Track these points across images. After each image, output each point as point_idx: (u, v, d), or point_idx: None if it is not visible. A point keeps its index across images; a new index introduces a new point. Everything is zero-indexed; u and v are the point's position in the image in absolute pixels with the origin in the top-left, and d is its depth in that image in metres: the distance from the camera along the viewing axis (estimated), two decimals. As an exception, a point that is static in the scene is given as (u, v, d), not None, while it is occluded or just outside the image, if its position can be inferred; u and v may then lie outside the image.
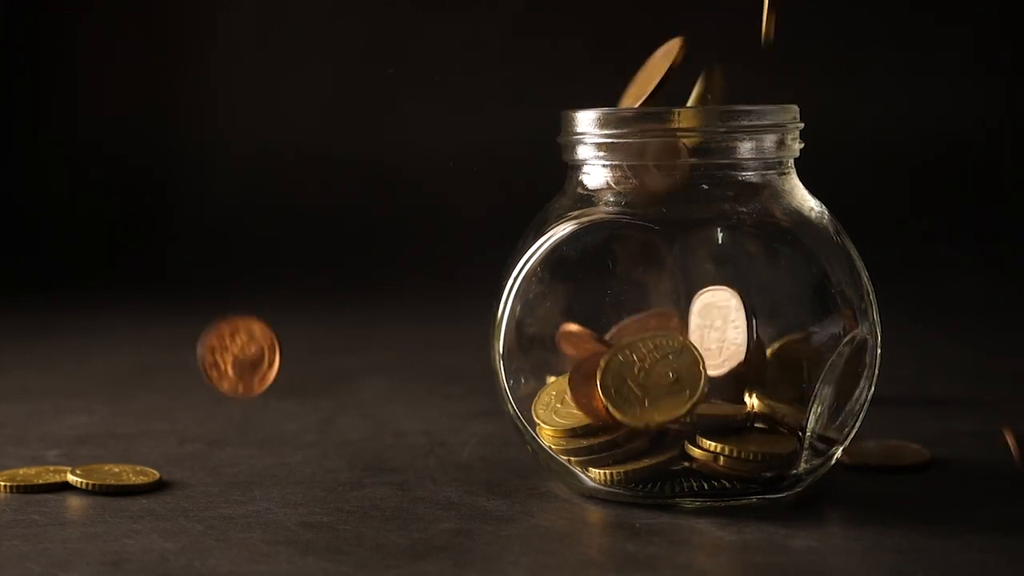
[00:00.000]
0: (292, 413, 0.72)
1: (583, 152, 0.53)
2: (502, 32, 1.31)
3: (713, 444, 0.50)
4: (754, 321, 0.51)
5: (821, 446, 0.52)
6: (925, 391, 0.77)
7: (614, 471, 0.51)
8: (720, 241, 0.52)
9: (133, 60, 1.35)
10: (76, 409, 0.73)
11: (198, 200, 1.30)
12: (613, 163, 0.52)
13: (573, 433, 0.52)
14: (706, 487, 0.51)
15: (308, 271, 1.22)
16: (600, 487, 0.52)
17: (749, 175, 0.52)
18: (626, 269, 0.53)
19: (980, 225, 1.20)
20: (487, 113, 1.28)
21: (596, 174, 0.53)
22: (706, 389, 0.50)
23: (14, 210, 1.29)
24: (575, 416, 0.52)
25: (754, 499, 0.52)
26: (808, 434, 0.51)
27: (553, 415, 0.52)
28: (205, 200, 1.30)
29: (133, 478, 0.56)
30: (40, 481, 0.56)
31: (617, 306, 0.52)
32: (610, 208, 0.53)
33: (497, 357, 0.54)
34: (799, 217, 0.53)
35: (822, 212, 0.53)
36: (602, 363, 0.50)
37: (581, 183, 0.54)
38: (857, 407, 0.53)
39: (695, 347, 0.50)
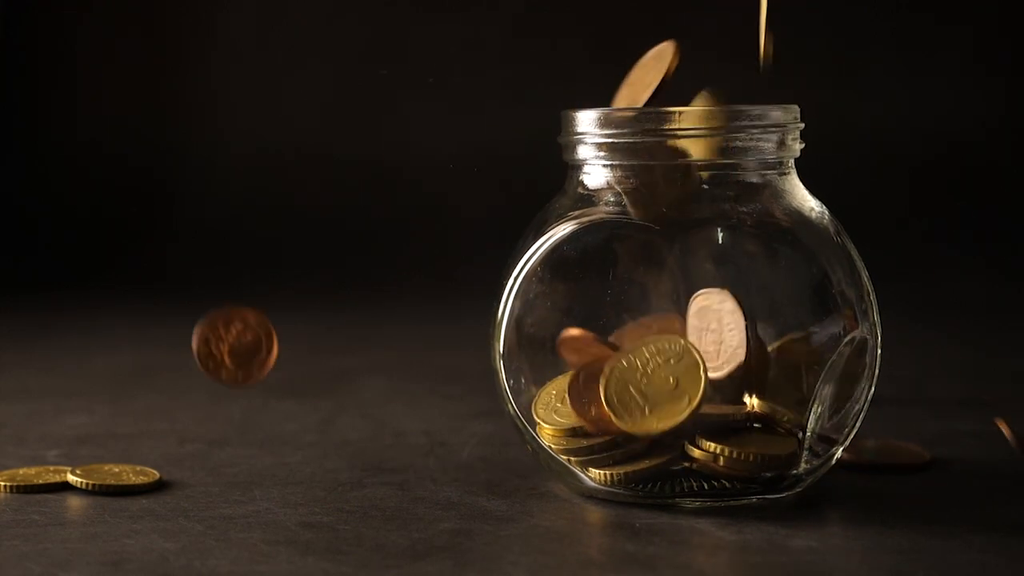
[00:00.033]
0: (292, 413, 0.72)
1: (583, 152, 0.53)
2: (502, 32, 1.31)
3: (713, 445, 0.50)
4: (752, 322, 0.51)
5: (821, 446, 0.52)
6: (925, 391, 0.77)
7: (614, 471, 0.51)
8: (720, 241, 0.52)
9: (133, 60, 1.35)
10: (76, 409, 0.73)
11: (198, 200, 1.30)
12: (615, 163, 0.52)
13: (573, 432, 0.52)
14: (706, 487, 0.51)
15: (308, 271, 1.22)
16: (600, 487, 0.52)
17: (749, 175, 0.52)
18: (626, 269, 0.53)
19: (980, 225, 1.20)
20: (487, 113, 1.28)
21: (596, 174, 0.53)
22: (706, 394, 0.50)
23: (14, 210, 1.29)
24: (575, 416, 0.52)
25: (754, 499, 0.52)
26: (808, 434, 0.51)
27: (553, 414, 0.52)
28: (205, 200, 1.30)
29: (133, 478, 0.56)
30: (40, 481, 0.56)
31: (617, 306, 0.52)
32: (610, 208, 0.53)
33: (497, 357, 0.54)
34: (799, 217, 0.53)
35: (822, 212, 0.53)
36: (606, 370, 0.50)
37: (581, 183, 0.54)
38: (857, 407, 0.53)
39: (696, 350, 0.50)
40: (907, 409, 0.70)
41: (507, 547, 0.48)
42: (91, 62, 1.36)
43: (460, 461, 0.60)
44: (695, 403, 0.50)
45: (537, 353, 0.53)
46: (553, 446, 0.52)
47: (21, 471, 0.57)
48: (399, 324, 1.05)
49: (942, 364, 0.86)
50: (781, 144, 0.52)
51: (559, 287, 0.53)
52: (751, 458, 0.50)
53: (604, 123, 0.52)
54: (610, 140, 0.52)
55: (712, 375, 0.50)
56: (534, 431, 0.53)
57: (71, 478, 0.55)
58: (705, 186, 0.52)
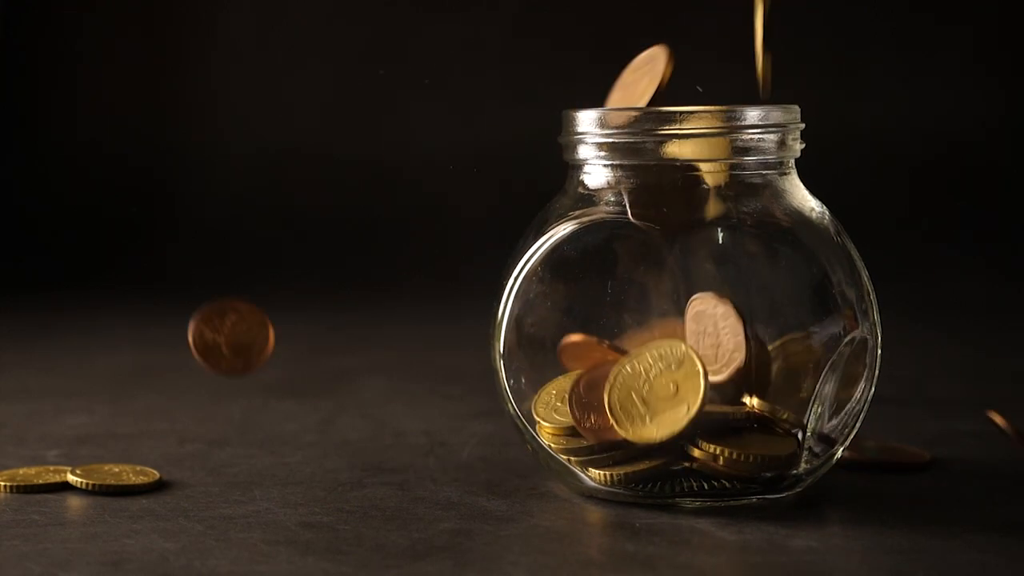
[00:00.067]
0: (292, 413, 0.72)
1: (584, 152, 0.53)
2: (502, 32, 1.31)
3: (713, 445, 0.50)
4: (751, 324, 0.51)
5: (821, 447, 0.52)
6: (925, 391, 0.77)
7: (614, 471, 0.51)
8: (720, 241, 0.52)
9: (133, 60, 1.35)
10: (76, 409, 0.73)
11: (198, 200, 1.30)
12: (615, 163, 0.52)
13: (573, 432, 0.52)
14: (706, 487, 0.51)
15: (308, 271, 1.22)
16: (600, 487, 0.52)
17: (750, 175, 0.52)
18: (626, 269, 0.53)
19: (980, 225, 1.20)
20: (487, 113, 1.28)
21: (597, 174, 0.53)
22: (705, 403, 0.50)
23: (14, 210, 1.29)
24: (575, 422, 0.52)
25: (754, 499, 0.52)
26: (808, 435, 0.51)
27: (553, 413, 0.52)
28: (205, 200, 1.30)
29: (133, 478, 0.56)
30: (40, 481, 0.56)
31: (617, 306, 0.52)
32: (611, 208, 0.53)
33: (497, 357, 0.54)
34: (800, 217, 0.53)
35: (823, 212, 0.53)
36: (611, 377, 0.50)
37: (582, 183, 0.54)
38: (857, 407, 0.53)
39: (697, 356, 0.50)
40: (907, 409, 0.70)
41: (507, 547, 0.48)
42: (91, 62, 1.36)
43: (460, 461, 0.60)
44: (693, 412, 0.49)
45: (537, 353, 0.53)
46: (553, 446, 0.52)
47: (21, 471, 0.57)
48: (399, 324, 1.05)
49: (942, 364, 0.86)
50: (781, 144, 0.52)
51: (559, 287, 0.53)
52: (751, 458, 0.50)
53: (605, 123, 0.52)
54: (611, 140, 0.52)
55: (712, 379, 0.50)
56: (534, 431, 0.53)
57: (71, 478, 0.55)
58: (705, 186, 0.52)
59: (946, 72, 1.26)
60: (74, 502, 0.54)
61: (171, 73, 1.36)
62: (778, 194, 0.53)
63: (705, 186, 0.52)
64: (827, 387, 0.51)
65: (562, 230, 0.53)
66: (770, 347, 0.51)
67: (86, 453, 0.62)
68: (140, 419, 0.70)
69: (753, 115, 0.52)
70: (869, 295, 0.52)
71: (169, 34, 1.35)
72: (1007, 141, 1.23)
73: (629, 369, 0.50)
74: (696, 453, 0.50)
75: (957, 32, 1.27)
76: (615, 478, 0.51)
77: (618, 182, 0.52)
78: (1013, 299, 1.08)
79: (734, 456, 0.50)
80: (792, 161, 0.53)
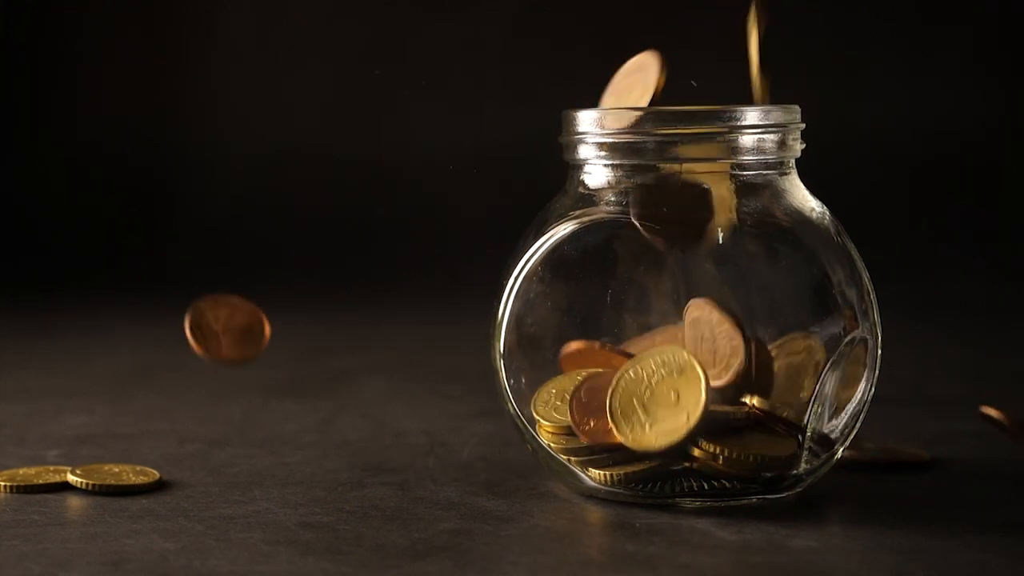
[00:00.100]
0: (292, 413, 0.72)
1: (584, 152, 0.53)
2: (502, 32, 1.31)
3: (713, 445, 0.50)
4: (750, 327, 0.51)
5: (821, 447, 0.52)
6: (925, 391, 0.77)
7: (614, 471, 0.51)
8: (720, 241, 0.52)
9: (133, 60, 1.35)
10: (76, 409, 0.73)
11: (198, 200, 1.30)
12: (615, 163, 0.52)
13: (572, 431, 0.52)
14: (706, 487, 0.51)
15: (308, 271, 1.22)
16: (600, 487, 0.52)
17: (750, 175, 0.52)
18: (626, 269, 0.53)
19: (980, 225, 1.20)
20: (487, 113, 1.28)
21: (597, 173, 0.53)
22: (706, 412, 0.49)
23: (14, 210, 1.29)
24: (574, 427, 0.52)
25: (754, 499, 0.52)
26: (808, 435, 0.51)
27: (553, 412, 0.52)
28: (205, 200, 1.30)
29: (133, 478, 0.56)
30: (40, 481, 0.56)
31: (617, 306, 0.52)
32: (611, 208, 0.53)
33: (497, 357, 0.54)
34: (800, 217, 0.53)
35: (823, 212, 0.53)
36: (614, 381, 0.50)
37: (582, 182, 0.54)
38: (857, 407, 0.53)
39: (700, 365, 0.50)
40: (907, 409, 0.70)
41: (507, 547, 0.48)
42: (91, 62, 1.36)
43: (460, 461, 0.60)
44: (693, 422, 0.49)
45: (537, 353, 0.53)
46: (553, 445, 0.52)
47: (21, 471, 0.57)
48: (399, 324, 1.05)
49: (942, 364, 0.86)
50: (782, 144, 0.52)
51: (559, 287, 0.53)
52: (751, 458, 0.50)
53: (605, 123, 0.52)
54: (611, 140, 0.52)
55: (713, 383, 0.50)
56: (534, 431, 0.53)
57: (71, 478, 0.55)
58: (706, 186, 0.52)
59: (946, 72, 1.26)
60: (74, 502, 0.54)
61: (171, 73, 1.36)
62: (778, 194, 0.53)
63: (707, 187, 0.52)
64: (827, 387, 0.51)
65: (562, 230, 0.53)
66: (770, 347, 0.51)
67: (86, 453, 0.62)
68: (140, 419, 0.70)
69: (753, 115, 0.52)
70: (869, 295, 0.52)
71: (169, 34, 1.35)
72: (1007, 141, 1.23)
73: (632, 374, 0.50)
74: (696, 453, 0.50)
75: (957, 32, 1.27)
76: (615, 478, 0.51)
77: (618, 182, 0.52)
78: (1013, 299, 1.08)
79: (734, 456, 0.50)
80: (792, 161, 0.53)
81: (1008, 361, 0.86)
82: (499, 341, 0.53)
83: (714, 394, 0.50)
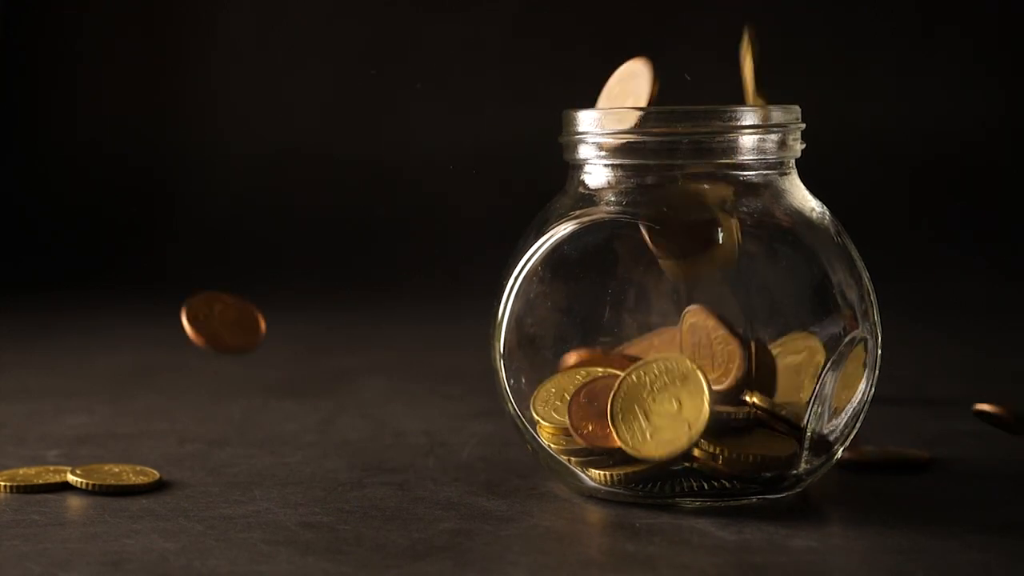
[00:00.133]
0: (292, 413, 0.72)
1: (584, 151, 0.53)
2: (502, 32, 1.31)
3: (713, 445, 0.50)
4: (748, 330, 0.51)
5: (821, 447, 0.52)
6: (925, 391, 0.77)
7: (614, 471, 0.51)
8: (721, 241, 0.52)
9: (133, 60, 1.35)
10: (76, 409, 0.73)
11: (198, 200, 1.30)
12: (615, 163, 0.52)
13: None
14: (706, 487, 0.51)
15: (308, 271, 1.22)
16: (600, 487, 0.52)
17: (750, 175, 0.52)
18: (627, 269, 0.53)
19: (980, 225, 1.20)
20: (487, 113, 1.28)
21: (597, 173, 0.53)
22: (707, 422, 0.49)
23: (14, 210, 1.29)
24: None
25: (754, 499, 0.52)
26: (808, 435, 0.51)
27: (552, 412, 0.52)
28: (205, 200, 1.30)
29: (133, 478, 0.56)
30: (40, 481, 0.55)
31: (617, 306, 0.52)
32: (611, 208, 0.53)
33: (497, 357, 0.54)
34: (800, 217, 0.52)
35: (823, 212, 0.53)
36: (615, 385, 0.50)
37: (582, 182, 0.53)
38: (857, 407, 0.53)
39: (703, 374, 0.50)
40: (907, 409, 0.70)
41: (507, 547, 0.48)
42: (91, 62, 1.36)
43: (460, 461, 0.60)
44: (695, 433, 0.49)
45: (537, 353, 0.53)
46: (553, 446, 0.52)
47: (21, 471, 0.57)
48: (399, 324, 1.05)
49: (942, 364, 0.86)
50: (782, 144, 0.52)
51: (559, 287, 0.53)
52: (751, 458, 0.50)
53: (605, 123, 0.52)
54: (611, 140, 0.52)
55: (714, 387, 0.50)
56: (534, 430, 0.53)
57: (71, 478, 0.55)
58: (706, 186, 0.52)
59: (946, 72, 1.26)
60: (74, 502, 0.54)
61: (171, 73, 1.36)
62: (778, 194, 0.53)
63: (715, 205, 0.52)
64: (827, 387, 0.51)
65: (562, 230, 0.53)
66: (770, 347, 0.51)
67: (86, 453, 0.62)
68: (140, 419, 0.70)
69: (753, 115, 0.52)
70: (869, 295, 0.52)
71: (169, 34, 1.35)
72: (1007, 141, 1.23)
73: (634, 379, 0.50)
74: (696, 453, 0.50)
75: (957, 32, 1.27)
76: (615, 478, 0.51)
77: (618, 182, 0.52)
78: (1013, 299, 1.08)
79: (734, 456, 0.50)
80: (792, 161, 0.53)
81: (1008, 361, 0.86)
82: (499, 341, 0.53)
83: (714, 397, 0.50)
